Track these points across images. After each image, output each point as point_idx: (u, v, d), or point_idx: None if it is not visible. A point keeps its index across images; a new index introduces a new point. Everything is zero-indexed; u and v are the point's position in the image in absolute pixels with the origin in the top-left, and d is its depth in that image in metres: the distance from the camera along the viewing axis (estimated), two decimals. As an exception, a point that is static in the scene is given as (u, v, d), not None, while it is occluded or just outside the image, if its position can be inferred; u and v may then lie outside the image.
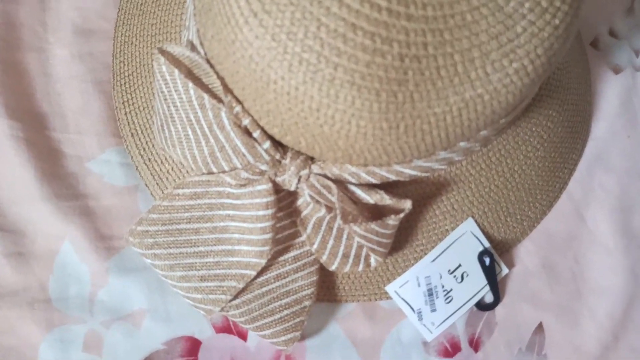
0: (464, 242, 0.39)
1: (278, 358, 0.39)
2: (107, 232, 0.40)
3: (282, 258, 0.36)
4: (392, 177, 0.33)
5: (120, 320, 0.39)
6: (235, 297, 0.36)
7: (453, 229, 0.39)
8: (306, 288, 0.37)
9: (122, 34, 0.43)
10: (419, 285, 0.39)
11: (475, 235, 0.39)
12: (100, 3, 0.44)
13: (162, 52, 0.32)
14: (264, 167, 0.33)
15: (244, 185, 0.34)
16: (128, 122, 0.41)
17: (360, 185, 0.34)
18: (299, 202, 0.35)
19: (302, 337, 0.39)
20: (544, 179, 0.41)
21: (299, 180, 0.33)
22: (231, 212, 0.35)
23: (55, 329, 0.38)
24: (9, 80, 0.42)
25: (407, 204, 0.34)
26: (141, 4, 0.43)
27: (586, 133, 0.44)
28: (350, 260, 0.36)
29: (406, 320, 0.40)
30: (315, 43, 0.27)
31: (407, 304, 0.39)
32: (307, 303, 0.37)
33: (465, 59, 0.28)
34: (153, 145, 0.40)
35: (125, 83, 0.42)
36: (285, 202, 0.35)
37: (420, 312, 0.39)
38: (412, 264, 0.39)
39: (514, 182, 0.40)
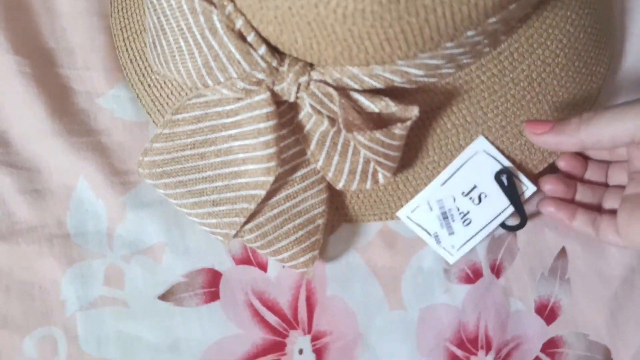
0: (478, 161, 0.37)
1: (299, 287, 0.39)
2: (121, 167, 0.40)
3: (290, 178, 0.36)
4: (397, 80, 0.31)
5: (140, 254, 0.39)
6: (248, 220, 0.35)
7: (468, 144, 0.37)
8: (317, 206, 0.36)
9: None
10: (430, 209, 0.38)
11: (490, 154, 0.37)
12: None
13: None
14: (261, 76, 0.31)
15: (241, 99, 0.33)
16: (127, 49, 0.39)
17: (364, 92, 0.32)
18: (301, 115, 0.34)
19: (322, 258, 0.39)
20: (568, 90, 0.38)
21: (298, 88, 0.32)
22: (233, 132, 0.34)
23: (76, 264, 0.38)
24: (13, 18, 0.40)
25: (414, 111, 0.32)
26: None
27: (612, 45, 0.41)
28: (357, 177, 0.35)
29: (427, 249, 0.40)
30: None
31: (422, 228, 0.38)
32: (320, 221, 0.37)
33: None
34: (152, 70, 0.38)
35: (122, 8, 0.40)
36: (286, 117, 0.34)
37: (437, 236, 0.38)
38: (424, 183, 0.38)
39: (533, 92, 0.37)
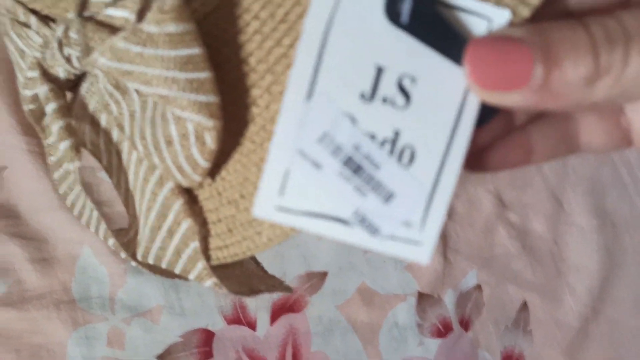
0: (356, 5, 0.18)
1: (286, 344, 0.43)
2: None
3: (131, 184, 0.26)
4: None
5: (139, 316, 0.42)
6: (132, 246, 0.26)
7: None
8: (172, 202, 0.24)
9: None
10: (316, 165, 0.18)
11: None
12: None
13: None
14: (37, 54, 0.25)
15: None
16: None
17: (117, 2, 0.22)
18: (92, 102, 0.26)
19: (305, 315, 0.43)
20: None
21: (60, 45, 0.24)
22: None
23: (81, 328, 0.42)
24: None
25: None
26: None
27: None
28: (177, 145, 0.22)
29: (403, 304, 0.44)
30: None
31: (321, 216, 0.19)
32: (185, 223, 0.24)
33: None
34: None
35: None
36: (84, 111, 0.26)
37: (363, 218, 0.19)
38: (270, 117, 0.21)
39: None
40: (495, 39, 0.17)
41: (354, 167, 0.18)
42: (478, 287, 0.44)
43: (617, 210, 0.46)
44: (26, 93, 0.26)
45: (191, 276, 0.24)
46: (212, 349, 0.42)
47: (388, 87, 0.18)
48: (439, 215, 0.18)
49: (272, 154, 0.18)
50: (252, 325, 0.43)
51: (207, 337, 0.42)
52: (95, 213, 0.26)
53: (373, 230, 0.18)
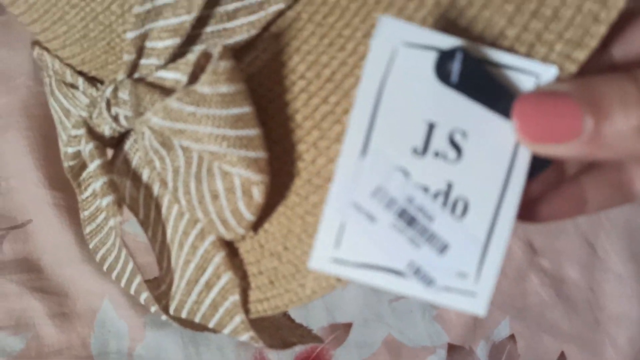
0: (408, 70, 0.19)
1: (309, 400, 0.41)
2: None
3: (168, 237, 0.27)
4: (183, 19, 0.23)
5: (159, 372, 0.41)
6: (165, 300, 0.27)
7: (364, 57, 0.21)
8: (212, 256, 0.25)
9: None
10: (371, 218, 0.19)
11: (417, 43, 0.19)
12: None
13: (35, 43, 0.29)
14: (83, 113, 0.26)
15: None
16: None
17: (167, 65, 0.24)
18: (135, 158, 0.27)
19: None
20: None
21: (108, 105, 0.25)
22: None
23: (98, 384, 0.41)
24: (49, 153, 0.46)
25: (217, 47, 0.22)
26: None
27: None
28: (224, 200, 0.23)
29: (432, 357, 0.42)
30: None
31: (376, 268, 0.19)
32: (225, 276, 0.24)
33: None
34: None
35: None
36: (127, 167, 0.28)
37: (418, 269, 0.19)
38: (327, 174, 0.22)
39: None
40: (543, 95, 0.18)
41: (407, 219, 0.19)
42: (512, 338, 0.42)
43: (655, 255, 0.44)
44: (68, 150, 0.27)
45: (226, 330, 0.24)
46: None
47: (440, 141, 0.19)
48: (494, 266, 0.19)
49: (328, 208, 0.19)
50: None
51: None
52: (131, 265, 0.26)
53: (428, 281, 0.19)
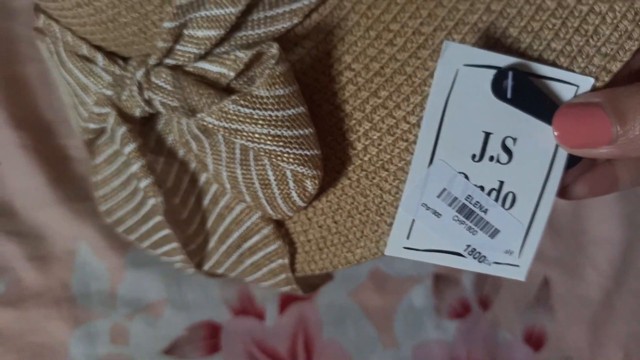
0: (468, 87, 0.22)
1: (297, 333, 0.41)
2: None
3: (214, 213, 0.29)
4: (227, 11, 0.23)
5: (142, 311, 0.41)
6: (200, 258, 0.30)
7: (430, 73, 0.24)
8: (261, 227, 0.28)
9: None
10: (437, 213, 0.23)
11: (476, 64, 0.22)
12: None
13: (36, 30, 0.29)
14: (108, 92, 0.26)
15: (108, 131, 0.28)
16: None
17: (209, 56, 0.25)
18: (170, 138, 0.29)
19: (315, 303, 0.41)
20: None
21: (140, 87, 0.25)
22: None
23: (82, 325, 0.40)
24: (13, 93, 0.43)
25: (271, 49, 0.23)
26: None
27: None
28: (275, 188, 0.24)
29: (417, 287, 0.42)
30: None
31: (440, 252, 0.24)
32: (274, 245, 0.27)
33: None
34: None
35: None
36: (161, 146, 0.29)
37: (474, 250, 0.23)
38: (400, 175, 0.24)
39: None
40: (578, 107, 0.21)
41: (466, 212, 0.23)
42: (495, 265, 0.43)
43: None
44: (90, 126, 0.28)
45: (266, 284, 0.28)
46: (220, 342, 0.41)
47: (494, 147, 0.22)
48: (534, 244, 0.23)
49: (400, 210, 0.23)
50: (260, 316, 0.41)
51: (213, 329, 0.41)
52: (165, 232, 0.28)
53: (482, 258, 0.24)
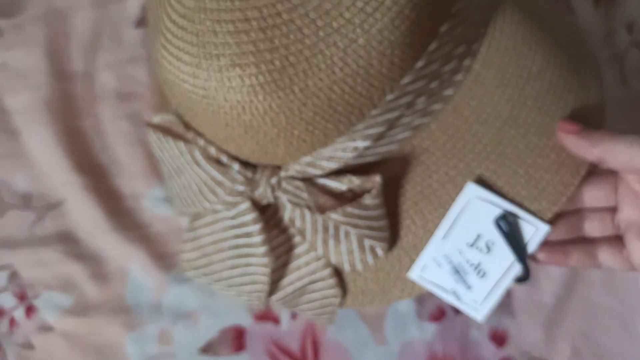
0: (474, 210, 0.35)
1: (306, 335, 0.48)
2: (163, 252, 0.50)
3: (293, 265, 0.38)
4: (348, 155, 0.33)
5: (183, 318, 0.48)
6: (270, 296, 0.39)
7: (458, 195, 0.35)
8: (328, 288, 0.38)
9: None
10: (439, 265, 0.36)
11: (484, 200, 0.34)
12: (133, 70, 0.53)
13: (150, 125, 0.37)
14: (241, 188, 0.35)
15: (232, 207, 0.36)
16: None
17: (329, 176, 0.34)
18: (286, 214, 0.36)
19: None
20: (552, 116, 0.35)
21: (273, 189, 0.35)
22: (237, 231, 0.37)
23: (135, 330, 0.48)
24: (74, 143, 0.51)
25: (376, 179, 0.33)
26: None
27: (593, 69, 0.38)
28: (357, 255, 0.36)
29: (402, 296, 0.49)
30: (200, 50, 0.30)
31: (438, 285, 0.36)
32: (331, 301, 0.38)
33: (320, 13, 0.28)
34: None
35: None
36: (275, 219, 0.37)
37: (455, 293, 0.36)
38: (424, 243, 0.36)
39: (511, 130, 0.35)
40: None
41: (456, 271, 0.36)
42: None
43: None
44: (219, 207, 0.37)
45: (311, 313, 0.40)
46: (245, 342, 0.48)
47: (481, 243, 0.35)
48: (492, 301, 0.36)
49: (422, 257, 0.36)
50: (276, 321, 0.49)
51: (239, 332, 0.48)
52: (261, 289, 0.38)
53: (458, 298, 0.36)
